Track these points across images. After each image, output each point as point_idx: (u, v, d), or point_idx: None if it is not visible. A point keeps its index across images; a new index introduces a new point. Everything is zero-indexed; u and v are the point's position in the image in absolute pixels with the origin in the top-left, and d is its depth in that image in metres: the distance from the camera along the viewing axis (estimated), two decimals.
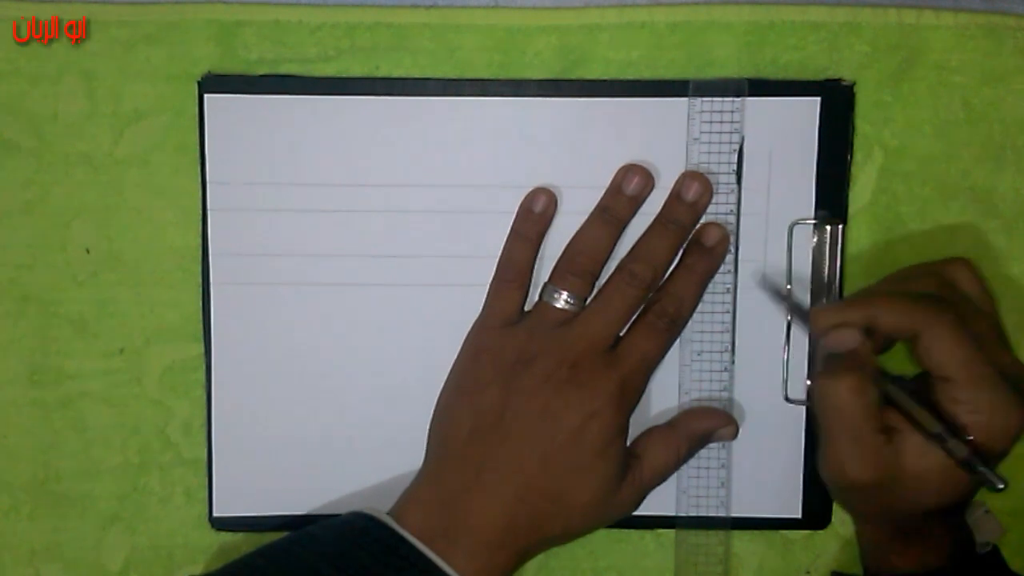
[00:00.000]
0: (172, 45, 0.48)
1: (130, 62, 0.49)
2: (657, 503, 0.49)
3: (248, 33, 0.48)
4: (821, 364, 0.47)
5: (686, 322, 0.48)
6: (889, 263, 0.50)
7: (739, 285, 0.49)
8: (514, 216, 0.48)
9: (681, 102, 0.48)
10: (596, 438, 0.45)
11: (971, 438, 0.43)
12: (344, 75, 0.49)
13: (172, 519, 0.51)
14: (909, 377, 0.46)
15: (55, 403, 0.50)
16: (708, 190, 0.48)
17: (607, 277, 0.47)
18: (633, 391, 0.46)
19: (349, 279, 0.49)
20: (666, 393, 0.50)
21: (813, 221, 0.49)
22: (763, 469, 0.50)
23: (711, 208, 0.48)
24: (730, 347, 0.49)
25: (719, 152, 0.48)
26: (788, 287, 0.48)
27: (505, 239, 0.49)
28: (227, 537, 0.50)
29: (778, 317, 0.49)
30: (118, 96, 0.49)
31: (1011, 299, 0.50)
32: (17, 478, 0.50)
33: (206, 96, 0.48)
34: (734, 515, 0.50)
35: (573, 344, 0.46)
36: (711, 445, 0.49)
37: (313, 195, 0.49)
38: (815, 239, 0.49)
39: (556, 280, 0.47)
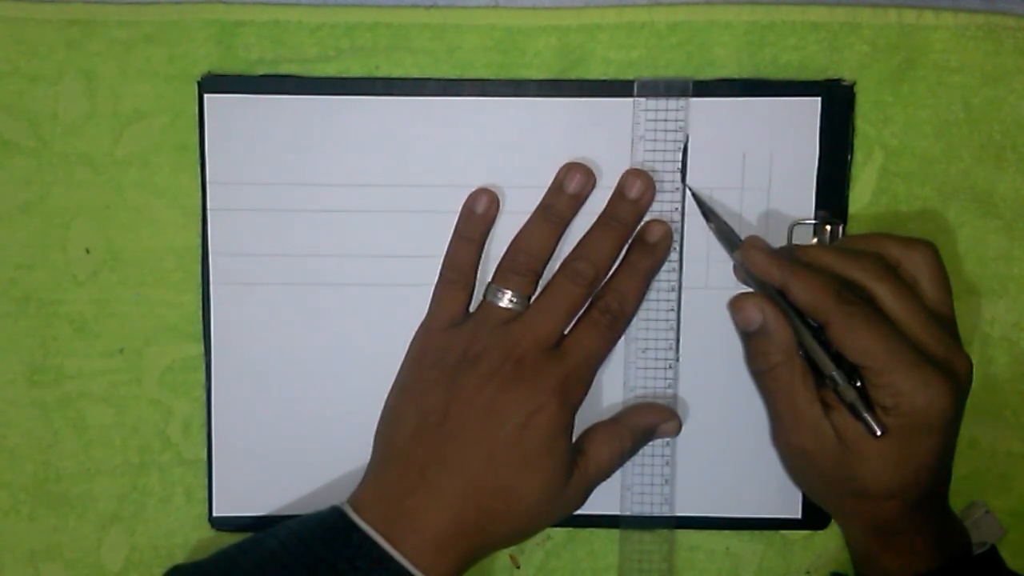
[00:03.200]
0: (172, 45, 0.48)
1: (130, 62, 0.49)
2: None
3: (248, 33, 0.48)
4: (741, 340, 0.49)
5: (630, 319, 0.48)
6: None
7: (688, 284, 0.49)
8: (456, 217, 0.49)
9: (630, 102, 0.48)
10: (541, 434, 0.45)
11: (859, 384, 0.44)
12: (344, 75, 0.49)
13: (172, 519, 0.51)
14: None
15: (55, 403, 0.50)
16: (651, 188, 0.48)
17: (551, 275, 0.48)
18: (578, 387, 0.46)
19: (349, 279, 0.49)
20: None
21: (813, 221, 0.49)
22: (763, 469, 0.50)
23: (657, 207, 0.49)
24: (675, 344, 0.49)
25: (664, 151, 0.48)
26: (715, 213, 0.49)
27: (448, 240, 0.49)
28: (227, 537, 0.50)
29: None
30: (118, 96, 0.49)
31: (1011, 299, 0.50)
32: (17, 478, 0.50)
33: (206, 96, 0.48)
34: (735, 515, 0.51)
35: (517, 342, 0.46)
36: (655, 442, 0.50)
37: (313, 195, 0.49)
38: (815, 239, 0.49)
39: (499, 280, 0.47)
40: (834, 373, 0.45)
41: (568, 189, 0.48)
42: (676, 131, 0.48)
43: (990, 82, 0.49)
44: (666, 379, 0.50)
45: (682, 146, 0.48)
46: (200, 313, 0.49)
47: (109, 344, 0.50)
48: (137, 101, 0.49)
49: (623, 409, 0.49)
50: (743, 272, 0.48)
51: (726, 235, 0.48)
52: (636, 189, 0.48)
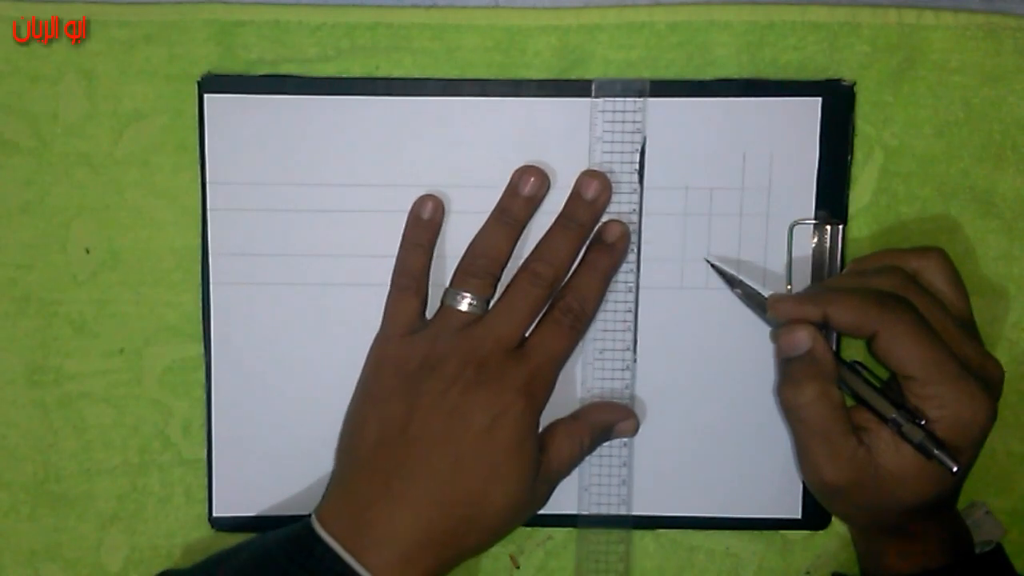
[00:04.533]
0: (172, 45, 0.48)
1: (130, 62, 0.49)
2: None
3: (248, 33, 0.48)
4: (779, 368, 0.48)
5: (591, 318, 0.48)
6: None
7: (645, 284, 0.49)
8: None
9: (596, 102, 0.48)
10: (508, 435, 0.44)
11: (923, 422, 0.43)
12: (344, 75, 0.49)
13: (172, 519, 0.51)
14: (882, 378, 0.46)
15: (55, 403, 0.50)
16: (607, 188, 0.48)
17: (511, 278, 0.48)
18: (542, 388, 0.46)
19: (349, 279, 0.49)
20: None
21: (813, 221, 0.49)
22: (763, 469, 0.50)
23: (615, 208, 0.49)
24: (632, 345, 0.49)
25: (622, 152, 0.48)
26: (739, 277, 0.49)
27: (397, 249, 0.49)
28: (227, 537, 0.50)
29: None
30: (118, 96, 0.49)
31: (1011, 299, 0.50)
32: (17, 478, 0.50)
33: (206, 96, 0.48)
34: (735, 516, 0.51)
35: (479, 344, 0.45)
36: (612, 443, 0.50)
37: (313, 195, 0.49)
38: (815, 239, 0.49)
39: (457, 283, 0.47)
40: (895, 415, 0.44)
41: (522, 192, 0.48)
42: (634, 132, 0.48)
43: (990, 82, 0.49)
44: (623, 380, 0.50)
45: (639, 147, 0.48)
46: (200, 313, 0.49)
47: (109, 344, 0.50)
48: (137, 101, 0.49)
49: (582, 407, 0.49)
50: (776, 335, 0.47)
51: (754, 299, 0.48)
52: (592, 190, 0.48)
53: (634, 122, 0.48)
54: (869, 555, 0.48)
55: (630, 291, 0.49)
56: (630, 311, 0.49)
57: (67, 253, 0.49)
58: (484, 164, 0.49)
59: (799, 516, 0.51)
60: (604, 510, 0.50)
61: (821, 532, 0.51)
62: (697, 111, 0.49)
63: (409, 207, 0.49)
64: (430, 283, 0.49)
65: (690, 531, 0.51)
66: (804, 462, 0.46)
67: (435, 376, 0.45)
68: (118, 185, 0.49)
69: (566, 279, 0.48)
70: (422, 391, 0.45)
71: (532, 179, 0.48)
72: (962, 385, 0.43)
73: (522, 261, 0.48)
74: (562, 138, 0.49)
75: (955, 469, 0.43)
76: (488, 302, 0.47)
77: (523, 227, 0.48)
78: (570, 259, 0.48)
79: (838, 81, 0.49)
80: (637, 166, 0.48)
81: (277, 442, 0.50)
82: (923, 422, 0.44)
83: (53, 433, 0.50)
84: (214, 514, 0.50)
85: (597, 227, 0.48)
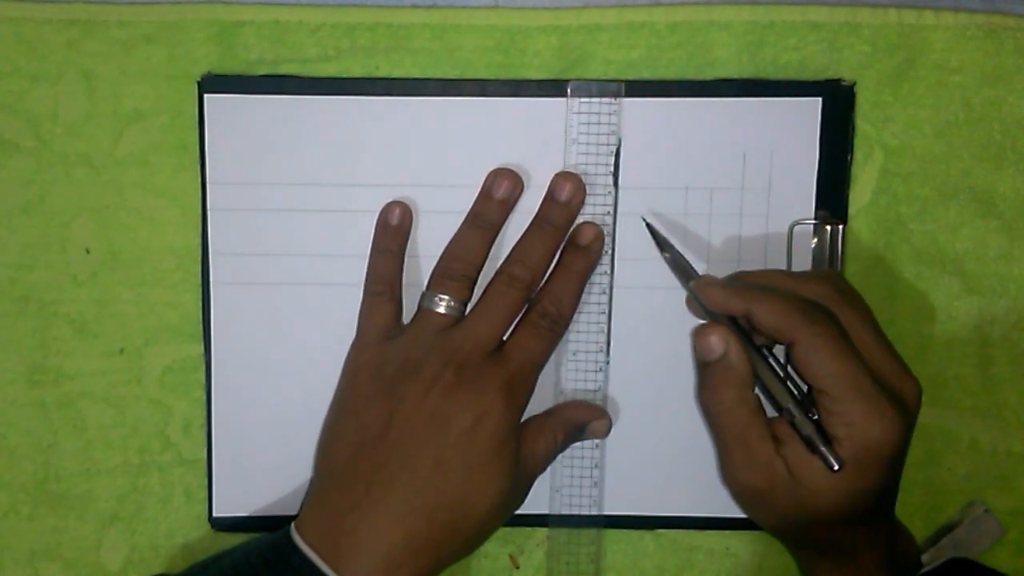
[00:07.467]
0: (172, 45, 0.48)
1: (130, 62, 0.49)
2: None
3: (248, 33, 0.48)
4: (696, 369, 0.48)
5: (569, 320, 0.48)
6: (889, 263, 0.50)
7: (619, 284, 0.49)
8: (372, 233, 0.49)
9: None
10: (489, 437, 0.44)
11: (816, 417, 0.44)
12: (344, 75, 0.49)
13: (172, 519, 0.51)
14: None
15: (55, 403, 0.50)
16: (581, 189, 0.48)
17: (488, 282, 0.47)
18: (522, 389, 0.46)
19: (349, 279, 0.49)
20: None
21: (813, 221, 0.49)
22: None
23: (590, 210, 0.49)
24: (605, 347, 0.49)
25: (597, 154, 0.48)
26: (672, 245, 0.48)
27: (368, 256, 0.49)
28: (227, 537, 0.50)
29: None
30: (118, 96, 0.49)
31: (1011, 299, 0.50)
32: (17, 478, 0.50)
33: (206, 96, 0.48)
34: (735, 516, 0.50)
35: (458, 347, 0.45)
36: (584, 444, 0.50)
37: (313, 195, 0.49)
38: (815, 239, 0.49)
39: (434, 286, 0.47)
40: (790, 406, 0.44)
41: (496, 195, 0.48)
42: (609, 134, 0.48)
43: (990, 82, 0.49)
44: (596, 382, 0.50)
45: (615, 149, 0.48)
46: (200, 313, 0.49)
47: (109, 344, 0.50)
48: (137, 101, 0.49)
49: (555, 404, 0.49)
50: (696, 305, 0.48)
51: (681, 266, 0.48)
52: (566, 192, 0.48)
53: (609, 124, 0.48)
54: (809, 574, 0.48)
55: (604, 293, 0.49)
56: (603, 312, 0.49)
57: (67, 253, 0.49)
58: (484, 164, 0.49)
59: None
60: (575, 511, 0.50)
61: None
62: (697, 111, 0.49)
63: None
64: (411, 284, 0.49)
65: (690, 531, 0.51)
66: (722, 466, 0.46)
67: (414, 379, 0.45)
68: (118, 185, 0.49)
69: (543, 282, 0.48)
70: (401, 395, 0.45)
71: (505, 182, 0.48)
72: (873, 405, 0.43)
73: (499, 263, 0.48)
74: (562, 138, 0.49)
75: (836, 468, 0.43)
76: (466, 305, 0.47)
77: (498, 229, 0.48)
78: (546, 261, 0.48)
79: (838, 81, 0.49)
80: (612, 168, 0.48)
81: (277, 442, 0.50)
82: (815, 417, 0.44)
83: (53, 433, 0.50)
84: (214, 514, 0.50)
85: (571, 230, 0.48)
